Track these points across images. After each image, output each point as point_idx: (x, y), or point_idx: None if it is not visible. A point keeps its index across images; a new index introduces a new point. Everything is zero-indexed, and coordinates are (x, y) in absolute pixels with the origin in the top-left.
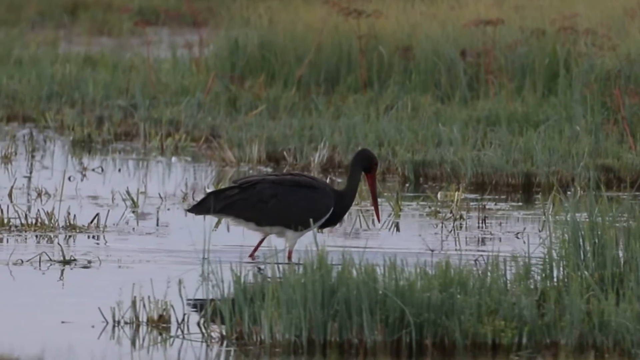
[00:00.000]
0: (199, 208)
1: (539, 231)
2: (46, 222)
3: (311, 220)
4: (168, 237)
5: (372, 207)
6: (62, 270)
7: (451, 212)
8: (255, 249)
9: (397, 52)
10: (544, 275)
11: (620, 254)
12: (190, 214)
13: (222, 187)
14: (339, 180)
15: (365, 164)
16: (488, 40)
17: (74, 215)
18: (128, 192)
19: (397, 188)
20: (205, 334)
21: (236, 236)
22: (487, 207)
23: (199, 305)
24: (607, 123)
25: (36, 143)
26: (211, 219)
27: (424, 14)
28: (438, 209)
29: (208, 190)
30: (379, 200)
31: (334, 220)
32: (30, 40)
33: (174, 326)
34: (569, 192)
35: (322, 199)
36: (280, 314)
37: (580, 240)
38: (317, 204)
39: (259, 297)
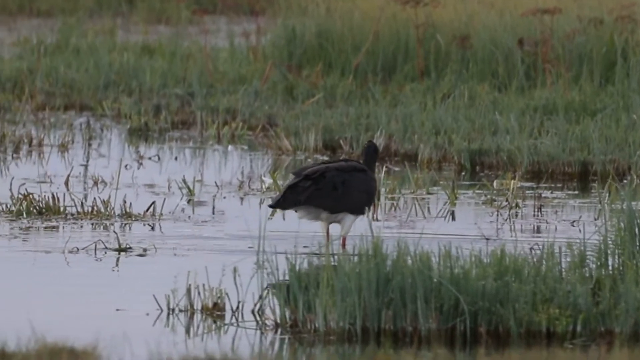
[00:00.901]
0: (285, 203)
1: (595, 219)
2: (102, 210)
3: (368, 203)
4: (224, 225)
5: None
6: (118, 258)
7: (507, 200)
8: (329, 237)
9: (455, 40)
10: (599, 263)
11: None
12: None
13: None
14: (396, 169)
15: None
16: (546, 29)
17: (130, 204)
18: (184, 181)
19: (453, 176)
20: (260, 322)
21: (291, 224)
22: (542, 195)
23: (253, 293)
24: None
25: (93, 131)
26: (267, 207)
27: (482, 3)
28: (494, 197)
29: (265, 179)
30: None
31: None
32: (88, 29)
33: (228, 314)
34: (625, 181)
35: (373, 181)
36: (334, 302)
37: (636, 228)
38: (372, 187)
39: (314, 285)
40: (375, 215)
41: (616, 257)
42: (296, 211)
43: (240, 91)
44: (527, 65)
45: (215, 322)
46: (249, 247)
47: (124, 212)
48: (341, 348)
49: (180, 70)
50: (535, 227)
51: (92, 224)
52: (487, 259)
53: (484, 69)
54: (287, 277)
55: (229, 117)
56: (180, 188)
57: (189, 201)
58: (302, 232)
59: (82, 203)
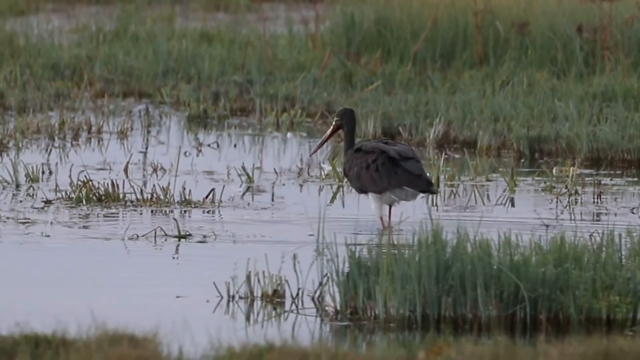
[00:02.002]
0: (433, 187)
1: None
2: (161, 197)
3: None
4: (283, 212)
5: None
6: (177, 246)
7: (566, 187)
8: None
9: (513, 27)
10: None
11: None
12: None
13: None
14: (458, 156)
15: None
16: (604, 15)
17: (189, 191)
18: (243, 168)
19: (512, 163)
20: (320, 309)
21: (350, 210)
22: (602, 182)
23: (313, 280)
24: None
25: (152, 119)
26: (326, 194)
27: None
28: (553, 184)
29: (324, 166)
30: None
31: None
32: (147, 16)
33: (288, 301)
34: None
35: None
36: (394, 289)
37: None
38: None
39: (374, 272)
40: (434, 202)
41: None
42: (392, 194)
43: (299, 78)
44: (586, 52)
45: (275, 309)
46: (309, 235)
47: (183, 199)
48: (401, 335)
49: (239, 57)
50: (595, 214)
51: (152, 211)
52: (546, 246)
53: (543, 55)
54: (347, 264)
55: (287, 104)
56: (239, 175)
57: (248, 188)
58: (361, 218)
59: (141, 190)
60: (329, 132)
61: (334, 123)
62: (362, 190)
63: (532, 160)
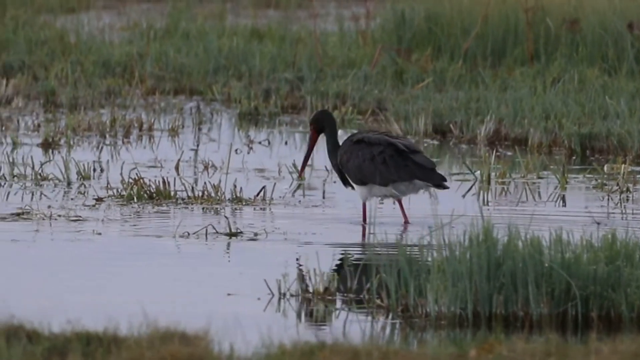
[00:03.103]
0: (446, 181)
1: None
2: (212, 194)
3: None
4: (334, 210)
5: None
6: (229, 243)
7: (617, 184)
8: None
9: (564, 24)
10: None
11: None
12: None
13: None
14: (509, 153)
15: None
16: None
17: (240, 188)
18: (294, 165)
19: (563, 161)
20: (371, 307)
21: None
22: None
23: (364, 278)
24: None
25: (203, 116)
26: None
27: None
28: (604, 181)
29: None
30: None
31: None
32: (198, 13)
33: (339, 298)
34: None
35: None
36: (446, 286)
37: None
38: None
39: (425, 270)
40: (485, 200)
41: None
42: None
43: (349, 75)
44: (637, 49)
45: (326, 306)
46: (360, 232)
47: (234, 196)
48: (452, 333)
49: (290, 54)
50: None
51: (203, 209)
52: (598, 243)
53: (594, 52)
54: (398, 262)
55: (338, 102)
56: (290, 172)
57: (299, 186)
58: (412, 215)
59: (192, 187)
60: (310, 143)
61: (311, 131)
62: (362, 182)
63: (583, 158)
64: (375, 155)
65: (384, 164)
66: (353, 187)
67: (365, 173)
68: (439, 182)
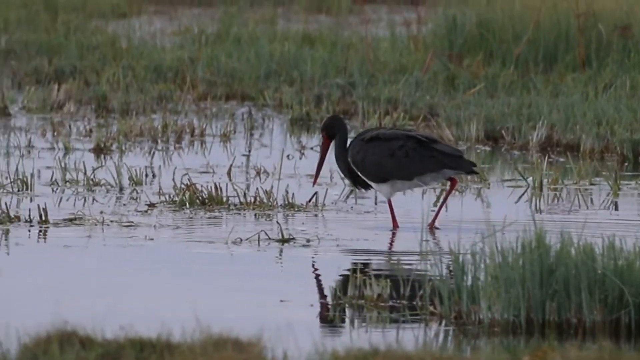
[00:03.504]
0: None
1: None
2: (265, 200)
3: None
4: (386, 215)
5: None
6: (281, 249)
7: None
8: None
9: (616, 30)
10: None
11: None
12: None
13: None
14: (561, 159)
15: None
16: None
17: (293, 194)
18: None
19: (615, 167)
20: (424, 314)
21: (453, 213)
22: None
23: (417, 285)
24: None
25: (255, 121)
26: (429, 198)
27: None
28: None
29: None
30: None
31: None
32: (249, 18)
33: (392, 305)
34: None
35: None
36: (498, 293)
37: None
38: None
39: (478, 276)
40: (538, 207)
41: None
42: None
43: (401, 81)
44: None
45: (379, 313)
46: (412, 239)
47: (286, 202)
48: (505, 340)
49: (341, 60)
50: None
51: (255, 215)
52: None
53: None
54: (451, 268)
55: (390, 107)
56: (342, 179)
57: (351, 191)
58: (464, 220)
59: (244, 193)
60: (322, 150)
61: (323, 137)
62: (383, 179)
63: (636, 164)
64: (395, 150)
65: (406, 157)
66: (365, 189)
67: (387, 169)
68: (470, 169)
